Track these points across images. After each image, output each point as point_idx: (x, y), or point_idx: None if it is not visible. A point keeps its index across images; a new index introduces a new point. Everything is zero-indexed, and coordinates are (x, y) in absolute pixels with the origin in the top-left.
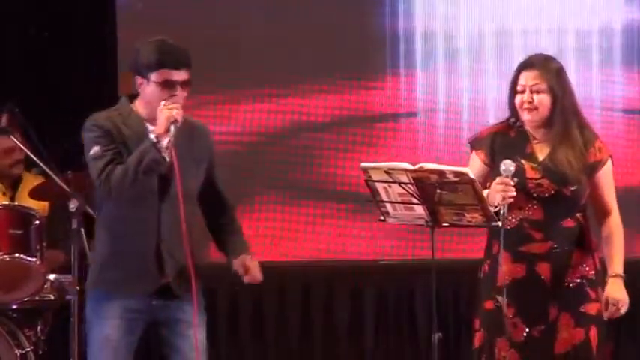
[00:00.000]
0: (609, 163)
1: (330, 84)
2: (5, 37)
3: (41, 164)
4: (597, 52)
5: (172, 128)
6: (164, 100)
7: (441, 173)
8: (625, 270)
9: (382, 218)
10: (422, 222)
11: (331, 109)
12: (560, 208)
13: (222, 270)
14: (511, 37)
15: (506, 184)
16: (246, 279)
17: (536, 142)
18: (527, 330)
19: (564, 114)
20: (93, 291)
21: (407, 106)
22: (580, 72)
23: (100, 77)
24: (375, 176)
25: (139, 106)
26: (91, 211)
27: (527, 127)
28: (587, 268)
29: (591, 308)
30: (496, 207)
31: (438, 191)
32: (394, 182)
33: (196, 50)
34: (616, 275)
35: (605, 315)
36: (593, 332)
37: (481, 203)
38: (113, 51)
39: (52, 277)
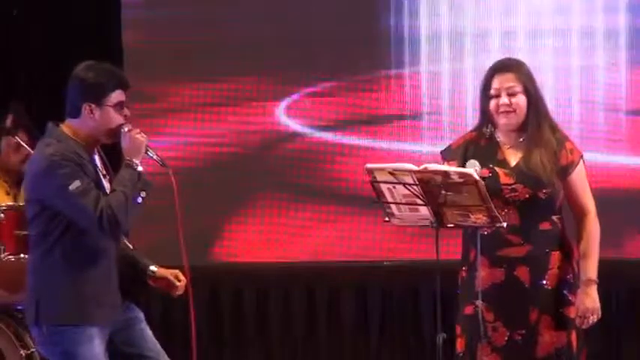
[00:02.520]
0: (582, 163)
1: (335, 85)
2: (8, 38)
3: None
4: (602, 53)
5: (150, 152)
6: (121, 123)
7: (446, 174)
8: (629, 271)
9: (387, 219)
10: (426, 223)
11: (336, 109)
12: (536, 211)
13: (226, 270)
14: (516, 38)
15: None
16: (180, 289)
17: (507, 147)
18: (508, 334)
19: (538, 116)
20: (72, 322)
21: (411, 107)
22: (584, 73)
23: None
24: (379, 177)
25: (71, 133)
26: None
27: (500, 133)
28: (565, 271)
29: (571, 311)
30: None
31: (443, 192)
32: (399, 183)
33: (198, 52)
34: (589, 281)
35: (577, 323)
36: (573, 335)
37: (486, 204)
38: (119, 52)
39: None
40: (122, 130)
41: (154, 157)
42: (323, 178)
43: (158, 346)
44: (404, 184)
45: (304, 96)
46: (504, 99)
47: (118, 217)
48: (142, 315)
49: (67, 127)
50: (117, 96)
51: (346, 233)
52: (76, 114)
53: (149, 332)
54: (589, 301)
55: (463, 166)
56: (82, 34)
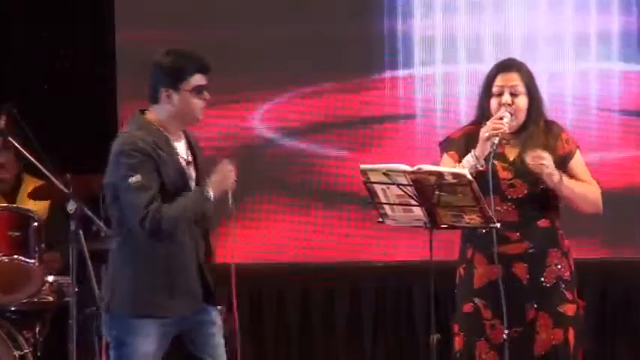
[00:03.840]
0: (578, 152)
1: (328, 85)
2: (5, 39)
3: (39, 166)
4: (595, 55)
5: (230, 200)
6: (199, 107)
7: (440, 175)
8: (623, 271)
9: (381, 220)
10: (420, 223)
11: (329, 110)
12: (535, 208)
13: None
14: (509, 39)
15: (499, 118)
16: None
17: (505, 142)
18: (506, 331)
19: (537, 115)
20: (129, 313)
21: (405, 107)
22: (577, 73)
23: (100, 80)
24: (373, 178)
25: (156, 121)
26: (89, 213)
27: None
28: (562, 269)
29: (569, 309)
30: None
31: (437, 193)
32: (392, 184)
33: (204, 50)
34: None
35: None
36: (571, 333)
37: (479, 204)
38: (112, 53)
39: (50, 278)
40: (223, 162)
41: (230, 205)
42: (317, 178)
43: (220, 353)
44: (398, 185)
45: (299, 96)
46: (507, 97)
47: (163, 225)
48: (218, 320)
49: (150, 113)
50: (195, 80)
51: (340, 232)
52: (155, 100)
53: (218, 339)
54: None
55: (465, 156)
56: (79, 35)
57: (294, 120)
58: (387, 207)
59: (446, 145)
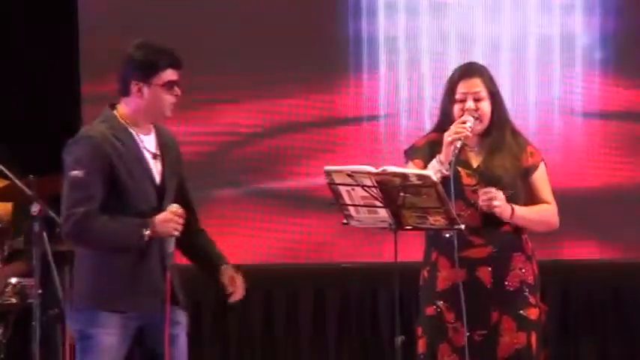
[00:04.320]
0: (542, 166)
1: (293, 86)
2: None
3: (2, 167)
4: (558, 57)
5: (169, 244)
6: (170, 102)
7: (405, 176)
8: (585, 273)
9: (345, 221)
10: (385, 225)
11: (294, 111)
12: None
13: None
14: (473, 41)
15: (462, 122)
16: (235, 297)
17: (468, 149)
18: (468, 334)
19: (500, 121)
20: (91, 305)
21: (370, 108)
22: (540, 76)
23: (63, 80)
24: (338, 179)
25: (126, 115)
26: (53, 214)
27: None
28: (526, 273)
29: (532, 313)
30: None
31: (402, 194)
32: (357, 185)
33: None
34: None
35: (482, 199)
36: (534, 337)
37: (444, 206)
38: (76, 53)
39: (13, 280)
40: (172, 206)
41: (169, 249)
42: (281, 179)
43: (181, 353)
44: (362, 186)
45: (264, 97)
46: (470, 103)
47: (81, 235)
48: (183, 321)
49: (120, 107)
50: (167, 75)
51: (305, 236)
52: (126, 92)
53: (180, 339)
54: (497, 204)
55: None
56: (42, 33)
57: (257, 122)
58: (351, 208)
59: (411, 153)
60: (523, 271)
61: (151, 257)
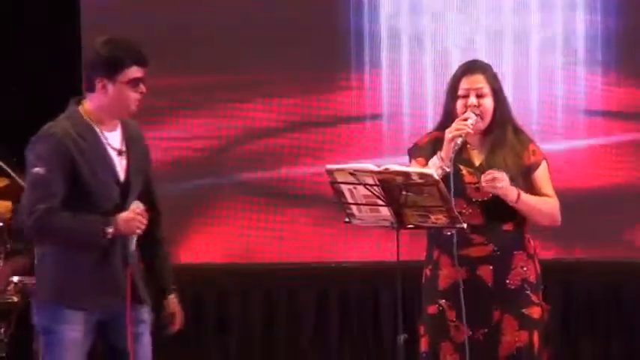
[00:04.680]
0: (544, 164)
1: (295, 85)
2: None
3: (3, 165)
4: (561, 55)
5: (132, 243)
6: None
7: (407, 175)
8: (586, 272)
9: (347, 220)
10: (387, 224)
11: (296, 110)
12: (499, 211)
13: (182, 269)
14: (476, 38)
15: (464, 119)
16: (172, 329)
17: (470, 147)
18: (470, 333)
19: (502, 119)
20: (54, 301)
21: (372, 107)
22: (543, 74)
23: (62, 78)
24: (340, 178)
25: (90, 111)
26: None
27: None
28: (528, 272)
29: (534, 312)
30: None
31: (404, 193)
32: (359, 184)
33: (164, 51)
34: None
35: (484, 180)
36: (536, 336)
37: (446, 205)
38: (77, 52)
39: (15, 279)
40: (134, 204)
41: (131, 247)
42: (283, 177)
43: (144, 351)
44: (364, 185)
45: (265, 95)
46: (472, 99)
47: (44, 231)
48: (147, 319)
49: (85, 102)
50: (132, 72)
51: (306, 235)
52: (91, 89)
53: (144, 337)
54: (501, 185)
55: None
56: (42, 32)
57: (259, 120)
58: (353, 207)
59: (414, 151)
60: (525, 269)
61: (114, 255)
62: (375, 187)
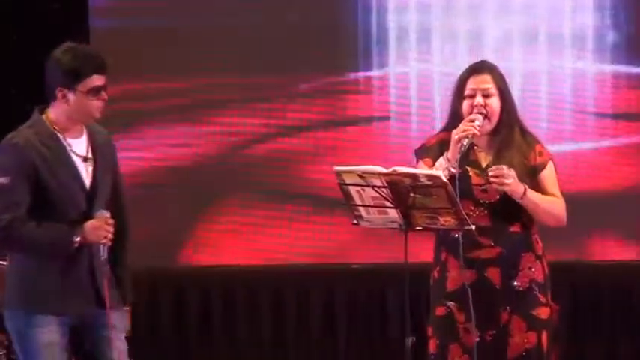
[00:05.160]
0: (551, 165)
1: (303, 86)
2: None
3: None
4: (570, 55)
5: (103, 251)
6: (96, 107)
7: (415, 177)
8: (593, 272)
9: (355, 222)
10: (395, 225)
11: (304, 112)
12: (507, 213)
13: (193, 271)
14: (484, 39)
15: (471, 121)
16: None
17: (478, 149)
18: (479, 335)
19: (509, 120)
20: (23, 307)
21: (379, 109)
22: (553, 75)
23: None
24: (348, 180)
25: (54, 119)
26: None
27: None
28: (535, 272)
29: (542, 312)
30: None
31: (412, 195)
32: (367, 186)
33: (169, 52)
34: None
35: (491, 176)
36: (544, 337)
37: (454, 207)
38: None
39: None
40: (101, 213)
41: (102, 257)
42: (291, 180)
43: (113, 355)
44: (373, 187)
45: (272, 97)
46: (479, 99)
47: (9, 241)
48: (118, 323)
49: (49, 110)
50: (92, 81)
51: (315, 236)
52: (52, 97)
53: (115, 341)
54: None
55: None
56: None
57: (267, 121)
58: (362, 209)
59: (421, 152)
60: (532, 270)
61: (80, 261)
62: (383, 189)
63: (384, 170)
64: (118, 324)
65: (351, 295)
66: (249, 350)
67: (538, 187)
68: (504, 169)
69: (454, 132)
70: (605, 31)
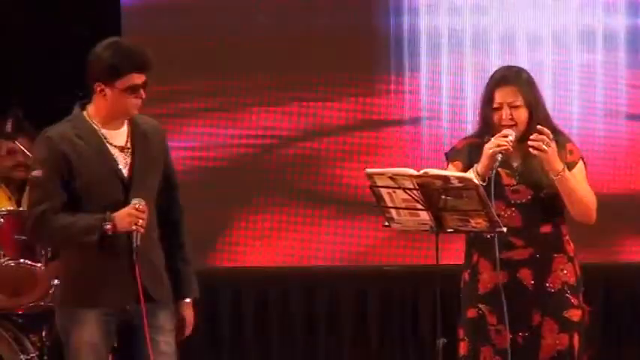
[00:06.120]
0: (581, 163)
1: (334, 88)
2: (10, 41)
3: None
4: (602, 56)
5: (135, 239)
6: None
7: (446, 179)
8: (628, 274)
9: (387, 224)
10: (426, 228)
11: (335, 113)
12: (538, 213)
13: (225, 272)
14: (516, 41)
15: (504, 136)
16: (182, 333)
17: (509, 151)
18: (511, 337)
19: (540, 124)
20: (68, 301)
21: (411, 110)
22: (584, 77)
23: None
24: (379, 182)
25: (93, 114)
26: None
27: None
28: (568, 274)
29: (574, 315)
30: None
31: (443, 197)
32: (398, 188)
33: (201, 53)
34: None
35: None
36: (576, 339)
37: (485, 209)
38: None
39: (56, 282)
40: (135, 200)
41: (134, 246)
42: (322, 182)
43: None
44: (404, 189)
45: (304, 99)
46: (506, 112)
47: (42, 232)
48: (162, 325)
49: (89, 105)
50: (131, 79)
51: (346, 238)
52: (91, 91)
53: (158, 347)
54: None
55: (468, 167)
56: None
57: (298, 124)
58: (393, 211)
59: (451, 155)
60: (565, 272)
61: (120, 254)
62: (414, 191)
63: (415, 172)
64: (164, 323)
65: (383, 297)
66: (279, 351)
67: None
68: (547, 138)
69: (487, 146)
70: (637, 30)
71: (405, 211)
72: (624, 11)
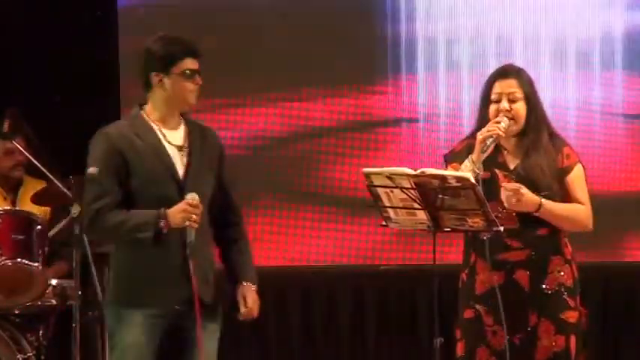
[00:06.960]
0: (578, 167)
1: (332, 88)
2: (8, 41)
3: (43, 169)
4: (598, 57)
5: (189, 235)
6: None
7: (443, 178)
8: (626, 274)
9: (384, 223)
10: (424, 227)
11: (333, 113)
12: (535, 215)
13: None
14: (512, 42)
15: (497, 122)
16: (242, 314)
17: (506, 152)
18: (507, 338)
19: (537, 122)
20: (115, 302)
21: (408, 110)
22: (580, 77)
23: (102, 82)
24: (376, 181)
25: (151, 112)
26: None
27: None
28: (564, 276)
29: (571, 316)
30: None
31: (440, 196)
32: (396, 187)
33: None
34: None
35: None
36: (572, 340)
37: (483, 208)
38: (115, 56)
39: (54, 282)
40: (190, 195)
41: (189, 242)
42: (320, 181)
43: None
44: (401, 188)
45: (302, 99)
46: (505, 104)
47: (97, 229)
48: (213, 328)
49: (147, 104)
50: (186, 64)
51: (342, 235)
52: (148, 86)
53: (208, 345)
54: (524, 192)
55: None
56: (82, 39)
57: (296, 124)
58: (390, 210)
59: (450, 157)
60: (562, 274)
61: (171, 250)
62: (411, 191)
63: (412, 172)
64: (210, 324)
65: (380, 297)
66: (277, 351)
67: (565, 191)
68: (517, 187)
69: (479, 133)
70: (635, 31)
71: (403, 210)
72: (621, 11)
